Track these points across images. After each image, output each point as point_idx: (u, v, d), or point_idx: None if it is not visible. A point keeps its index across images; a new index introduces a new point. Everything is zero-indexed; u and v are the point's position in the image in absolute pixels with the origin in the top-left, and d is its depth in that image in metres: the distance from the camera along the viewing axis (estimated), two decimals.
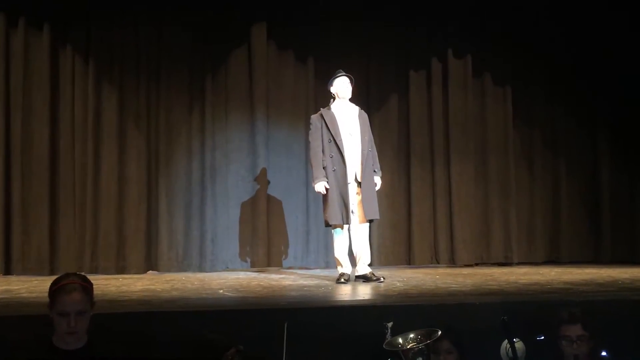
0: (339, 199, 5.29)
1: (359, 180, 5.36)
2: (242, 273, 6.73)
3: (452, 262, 7.49)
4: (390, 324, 3.37)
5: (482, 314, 3.66)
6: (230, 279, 5.97)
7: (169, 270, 6.87)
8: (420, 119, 7.67)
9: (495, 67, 7.85)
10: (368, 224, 5.41)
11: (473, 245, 7.57)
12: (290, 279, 5.85)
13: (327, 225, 5.45)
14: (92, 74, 6.83)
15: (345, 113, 5.52)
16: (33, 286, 5.20)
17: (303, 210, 7.35)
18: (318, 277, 6.08)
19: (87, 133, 6.81)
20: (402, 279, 5.70)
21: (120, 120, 6.92)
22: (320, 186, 5.34)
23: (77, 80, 6.85)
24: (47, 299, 2.74)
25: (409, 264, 7.44)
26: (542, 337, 3.19)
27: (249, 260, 7.19)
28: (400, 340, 3.29)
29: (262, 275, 6.47)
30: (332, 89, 5.62)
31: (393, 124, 7.65)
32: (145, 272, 6.81)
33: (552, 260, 7.76)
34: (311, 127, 5.50)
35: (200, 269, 6.99)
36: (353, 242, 5.41)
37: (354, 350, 3.45)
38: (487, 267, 7.36)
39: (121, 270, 6.72)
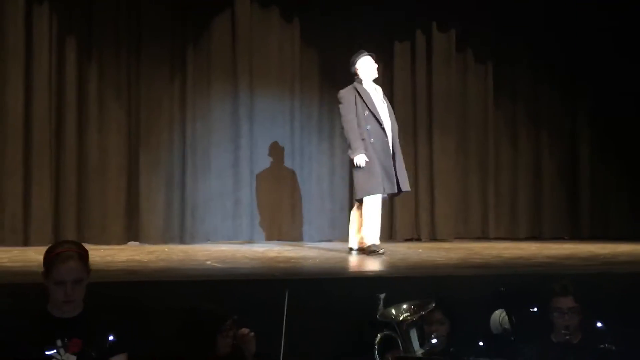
0: (381, 169, 5.21)
1: (392, 152, 5.33)
2: (225, 245, 6.69)
3: (433, 237, 7.55)
4: (382, 296, 3.38)
5: (473, 285, 3.70)
6: (214, 250, 5.93)
7: (150, 242, 6.78)
8: (404, 92, 7.66)
9: (478, 43, 7.84)
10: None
11: (452, 220, 7.62)
12: (275, 251, 5.83)
13: (362, 197, 5.29)
14: (70, 44, 6.63)
15: (372, 90, 5.47)
16: (14, 256, 5.10)
17: (288, 182, 7.31)
18: (303, 248, 6.09)
19: (64, 103, 6.64)
20: (387, 252, 5.71)
21: (100, 91, 6.75)
22: (360, 158, 5.21)
23: (54, 49, 6.64)
24: (36, 269, 2.67)
25: (391, 238, 7.46)
26: (536, 309, 3.23)
27: (231, 232, 7.14)
28: (394, 312, 3.29)
29: (246, 247, 6.44)
30: (358, 69, 5.50)
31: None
32: (125, 243, 6.73)
33: (534, 236, 7.86)
34: (342, 100, 5.37)
35: (181, 240, 6.91)
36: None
37: (347, 322, 3.45)
38: (465, 242, 7.43)
39: (101, 241, 6.62)
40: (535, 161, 8.04)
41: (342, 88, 7.50)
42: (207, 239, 7.04)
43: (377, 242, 5.29)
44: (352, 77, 7.43)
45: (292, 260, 4.91)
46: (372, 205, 5.25)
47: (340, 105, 5.43)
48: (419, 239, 7.56)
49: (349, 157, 5.39)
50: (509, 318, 3.12)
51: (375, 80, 5.60)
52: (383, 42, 7.59)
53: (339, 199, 7.44)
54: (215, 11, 7.13)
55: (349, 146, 5.35)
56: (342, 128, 5.46)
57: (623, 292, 3.66)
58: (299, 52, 7.36)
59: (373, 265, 4.74)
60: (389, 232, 7.49)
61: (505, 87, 7.99)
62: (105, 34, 6.76)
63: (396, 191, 5.37)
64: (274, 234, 7.26)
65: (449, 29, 7.72)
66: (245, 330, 3.00)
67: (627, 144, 7.95)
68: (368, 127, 5.26)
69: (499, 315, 3.30)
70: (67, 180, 6.60)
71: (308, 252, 5.73)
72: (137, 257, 5.10)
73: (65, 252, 2.60)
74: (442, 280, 3.85)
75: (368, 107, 5.30)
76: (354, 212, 5.53)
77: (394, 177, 5.28)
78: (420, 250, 6.11)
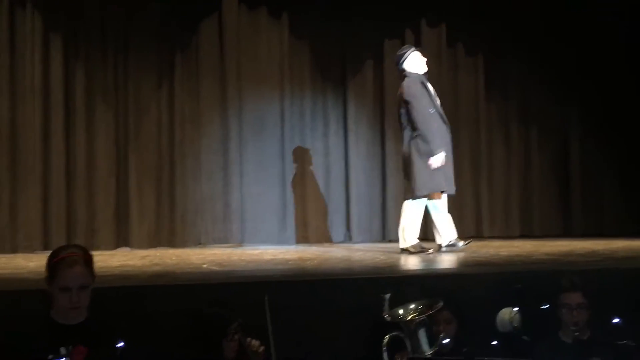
0: (446, 168, 5.12)
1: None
2: (216, 249, 6.59)
3: (426, 237, 7.49)
4: (387, 296, 3.32)
5: (480, 284, 3.65)
6: (207, 254, 5.83)
7: (140, 247, 6.66)
8: (394, 91, 7.58)
9: (468, 37, 7.81)
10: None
11: None
12: (269, 254, 5.75)
13: (425, 194, 5.19)
14: (56, 44, 6.50)
15: (430, 86, 5.30)
16: (2, 263, 4.97)
17: (278, 184, 7.23)
18: (297, 251, 6.02)
19: (51, 105, 6.51)
20: (383, 252, 5.68)
21: (87, 94, 6.63)
22: (441, 157, 5.07)
23: (39, 51, 6.51)
24: (26, 275, 2.57)
25: (384, 238, 7.42)
26: (547, 306, 3.19)
27: (222, 235, 7.05)
28: (401, 312, 3.24)
29: (238, 250, 6.35)
30: (409, 65, 5.30)
31: (368, 94, 7.57)
32: (115, 248, 6.61)
33: (525, 234, 7.86)
34: (415, 93, 5.10)
35: (171, 244, 6.82)
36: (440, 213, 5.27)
37: (354, 323, 3.39)
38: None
39: (90, 246, 6.46)
40: (526, 158, 8.03)
41: (333, 87, 7.52)
42: (198, 243, 6.94)
43: (453, 236, 5.28)
44: (342, 78, 7.48)
45: (290, 263, 4.84)
46: (419, 205, 5.20)
47: (411, 99, 5.11)
48: None
49: (416, 151, 5.16)
50: (521, 316, 3.07)
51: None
52: (373, 40, 7.55)
53: (335, 200, 7.38)
54: (203, 15, 7.07)
55: (425, 141, 5.08)
56: (415, 122, 5.10)
57: (628, 287, 3.63)
58: (287, 53, 7.30)
59: (372, 266, 4.68)
60: (382, 231, 7.46)
61: (496, 83, 7.98)
62: (92, 35, 6.66)
63: (453, 192, 5.33)
64: (266, 237, 7.16)
65: (439, 23, 7.69)
66: (255, 343, 2.92)
67: (618, 141, 7.98)
68: (435, 126, 5.12)
69: (509, 314, 3.25)
70: (55, 184, 6.47)
71: (303, 254, 5.66)
72: (130, 262, 5.00)
73: (71, 257, 2.51)
74: (447, 278, 3.79)
75: (434, 105, 5.16)
76: (420, 210, 5.28)
77: (453, 176, 5.25)
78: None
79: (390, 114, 7.57)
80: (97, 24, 6.69)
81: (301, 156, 7.31)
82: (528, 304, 3.22)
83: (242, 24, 7.17)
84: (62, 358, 2.42)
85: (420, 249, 5.24)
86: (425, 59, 5.38)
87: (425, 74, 5.34)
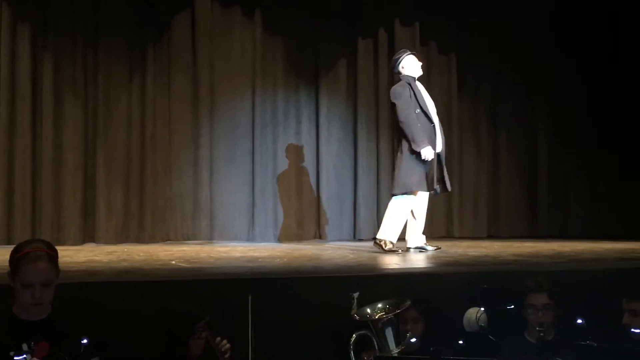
0: (426, 167, 5.20)
1: (439, 150, 5.33)
2: (185, 245, 6.54)
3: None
4: (356, 295, 3.33)
5: (447, 283, 3.68)
6: (176, 250, 5.79)
7: (107, 242, 6.57)
8: (367, 90, 7.63)
9: (442, 37, 7.83)
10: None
11: None
12: (238, 251, 5.73)
13: (402, 192, 5.26)
14: (23, 34, 6.38)
15: (420, 87, 5.44)
16: None
17: (248, 182, 7.19)
18: (266, 249, 5.99)
19: (17, 97, 6.39)
20: (353, 251, 5.69)
21: (56, 86, 6.52)
22: (429, 151, 5.16)
23: (6, 41, 6.38)
24: (5, 269, 2.52)
25: (355, 237, 7.43)
26: (513, 307, 3.23)
27: (191, 232, 6.99)
28: (369, 311, 3.26)
29: (207, 247, 6.31)
30: (403, 68, 5.45)
31: (341, 93, 7.55)
32: (81, 243, 6.52)
33: (493, 235, 7.93)
34: (399, 96, 5.29)
35: (140, 240, 6.74)
36: (415, 212, 5.35)
37: (321, 321, 3.39)
38: (429, 241, 7.43)
39: (56, 242, 6.35)
40: (495, 160, 8.10)
41: (305, 85, 7.51)
42: (166, 239, 6.88)
43: (395, 239, 5.30)
44: (315, 76, 7.47)
45: (259, 260, 4.82)
46: (404, 202, 5.26)
47: (396, 100, 5.32)
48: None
49: (401, 151, 5.30)
50: (487, 316, 3.11)
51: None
52: (346, 39, 7.54)
53: (307, 198, 7.37)
54: (175, 9, 6.99)
55: (408, 139, 5.23)
56: (399, 122, 5.29)
57: (592, 289, 3.69)
58: (260, 50, 7.25)
59: (341, 264, 4.69)
60: (352, 230, 7.47)
61: (468, 83, 8.02)
62: (61, 27, 6.55)
63: (438, 191, 5.39)
64: (236, 234, 7.12)
65: (412, 22, 7.70)
66: (224, 342, 2.90)
67: (583, 145, 8.11)
68: (418, 125, 5.23)
69: (476, 313, 3.28)
70: (20, 178, 6.36)
71: (273, 252, 5.64)
72: (96, 258, 4.93)
73: (34, 252, 2.45)
74: (414, 277, 3.82)
75: (420, 106, 5.28)
76: (403, 207, 5.35)
77: (439, 176, 5.28)
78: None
79: (363, 113, 7.61)
80: (67, 15, 6.57)
81: (272, 154, 7.28)
82: (494, 304, 3.25)
83: (215, 20, 7.11)
84: (24, 354, 2.37)
85: (391, 248, 5.27)
86: (420, 63, 5.52)
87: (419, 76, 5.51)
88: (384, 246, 5.27)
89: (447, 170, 5.50)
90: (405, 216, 5.34)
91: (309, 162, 7.40)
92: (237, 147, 7.18)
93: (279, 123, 7.32)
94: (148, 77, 6.86)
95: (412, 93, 5.31)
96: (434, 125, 5.32)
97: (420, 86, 5.47)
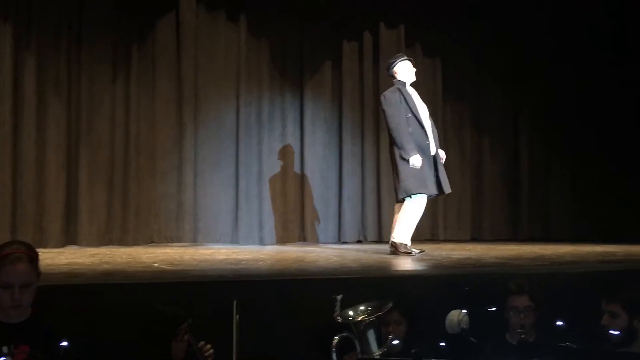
0: (420, 171, 5.25)
1: (433, 154, 5.40)
2: (169, 248, 6.51)
3: (380, 239, 7.56)
4: (339, 297, 3.33)
5: (430, 286, 3.70)
6: (159, 253, 5.75)
7: (89, 245, 6.52)
8: (352, 93, 7.65)
9: (427, 39, 7.87)
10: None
11: None
12: (222, 254, 5.71)
13: (405, 196, 5.32)
14: (5, 32, 6.30)
15: (413, 93, 5.50)
16: None
17: (232, 184, 7.18)
18: (250, 252, 5.98)
19: None
20: (337, 254, 5.69)
21: (38, 85, 6.47)
22: (416, 159, 5.21)
23: None
24: None
25: (339, 240, 7.44)
26: (494, 309, 3.25)
27: (175, 234, 6.96)
28: (351, 313, 3.26)
29: (191, 249, 6.28)
30: (397, 73, 5.51)
31: (326, 96, 7.57)
32: (63, 245, 6.46)
33: (476, 238, 7.98)
34: (388, 102, 5.38)
35: (123, 243, 6.70)
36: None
37: (304, 324, 3.39)
38: (413, 244, 7.45)
39: (37, 244, 6.29)
40: (478, 164, 8.15)
41: (290, 87, 7.51)
42: (150, 242, 6.84)
43: (409, 242, 5.34)
44: (300, 79, 7.47)
45: (243, 263, 4.81)
46: (414, 205, 5.31)
47: (386, 107, 5.41)
48: (366, 241, 7.55)
49: (395, 156, 5.36)
50: (469, 318, 3.12)
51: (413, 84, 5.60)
52: (331, 42, 7.57)
53: (292, 200, 7.37)
54: (160, 10, 6.97)
55: (397, 146, 5.31)
56: (389, 128, 5.39)
57: (573, 291, 3.73)
58: (245, 52, 7.26)
59: (325, 267, 4.69)
60: (337, 233, 7.48)
61: (452, 86, 8.07)
62: (44, 26, 6.49)
63: (436, 193, 5.44)
64: (220, 237, 7.11)
65: (398, 25, 7.73)
66: (207, 347, 2.89)
67: (564, 149, 8.19)
68: (409, 130, 5.30)
69: (457, 316, 3.29)
70: (0, 178, 6.27)
71: (257, 254, 5.63)
72: (79, 260, 4.90)
73: (14, 254, 2.43)
74: (397, 280, 3.83)
75: (411, 110, 5.34)
76: (414, 209, 5.43)
77: (434, 179, 5.34)
78: (369, 251, 6.10)
79: (348, 116, 7.63)
80: (50, 15, 6.53)
81: (257, 156, 7.27)
82: (476, 306, 3.27)
83: (200, 22, 7.11)
84: (3, 357, 2.35)
85: (405, 250, 5.32)
86: (414, 69, 5.58)
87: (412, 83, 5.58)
88: (398, 248, 5.32)
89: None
90: (418, 217, 5.40)
91: (293, 165, 7.41)
92: (222, 149, 7.17)
93: (263, 125, 7.32)
94: (132, 77, 6.83)
95: (402, 98, 5.38)
96: (425, 130, 5.37)
97: (412, 91, 5.53)
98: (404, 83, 5.50)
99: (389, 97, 5.41)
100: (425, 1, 7.71)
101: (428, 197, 5.43)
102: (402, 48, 7.67)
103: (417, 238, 7.62)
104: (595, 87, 7.98)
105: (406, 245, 5.35)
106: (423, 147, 5.32)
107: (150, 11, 6.94)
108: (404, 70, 5.52)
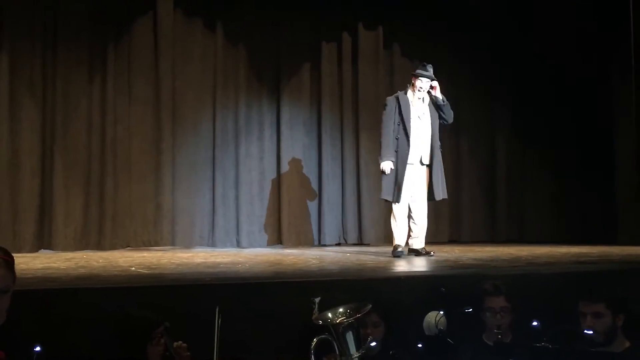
0: (394, 178, 5.47)
1: (426, 162, 5.54)
2: (146, 251, 6.46)
3: (360, 241, 7.57)
4: (317, 299, 3.33)
5: (407, 287, 3.71)
6: (136, 257, 5.71)
7: (64, 249, 6.46)
8: (332, 95, 7.66)
9: (405, 40, 7.90)
10: (427, 202, 5.62)
11: (381, 225, 7.64)
12: (200, 257, 5.68)
13: (382, 198, 5.65)
14: None
15: (415, 102, 5.61)
16: None
17: (209, 187, 7.16)
18: (228, 255, 5.96)
19: None
20: (316, 256, 5.69)
21: (11, 87, 6.41)
22: (386, 165, 5.47)
23: None
24: None
25: (319, 242, 7.44)
26: (470, 310, 3.27)
27: (152, 238, 6.91)
28: (330, 315, 3.25)
29: (169, 253, 6.24)
30: (412, 81, 5.65)
31: (305, 98, 7.58)
32: (38, 250, 6.39)
33: (454, 239, 8.02)
34: (386, 107, 5.61)
35: (100, 247, 6.64)
36: (414, 218, 5.57)
37: (282, 326, 3.38)
38: (389, 246, 7.47)
39: (12, 249, 6.16)
40: (456, 167, 8.19)
41: (268, 91, 7.51)
42: (127, 245, 6.79)
43: (399, 242, 5.53)
44: (277, 82, 7.46)
45: (221, 266, 4.78)
46: (395, 209, 5.53)
47: (382, 112, 5.68)
48: (345, 243, 7.55)
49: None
50: (446, 319, 3.14)
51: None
52: (310, 44, 7.57)
53: (270, 204, 7.35)
54: (137, 12, 6.94)
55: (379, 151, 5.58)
56: (380, 133, 5.66)
57: (549, 292, 3.77)
58: (222, 55, 7.24)
59: (304, 269, 4.69)
60: (317, 235, 7.47)
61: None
62: (18, 27, 6.43)
63: (400, 201, 5.52)
64: (198, 240, 7.08)
65: (376, 26, 7.76)
66: (182, 346, 2.87)
67: (540, 152, 8.26)
68: (397, 137, 5.52)
69: (435, 317, 3.31)
70: None
71: (235, 257, 5.61)
72: (54, 265, 4.83)
73: None
74: (375, 282, 3.83)
75: (402, 119, 5.52)
76: (398, 213, 5.63)
77: (404, 186, 5.46)
78: (348, 254, 6.11)
79: (328, 117, 7.63)
80: (24, 15, 6.47)
81: (234, 160, 7.25)
82: (453, 307, 3.29)
83: (177, 25, 7.08)
84: None
85: (394, 251, 5.49)
86: (422, 88, 5.59)
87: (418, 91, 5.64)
88: (394, 252, 5.51)
89: None
90: (397, 220, 5.55)
91: (271, 168, 7.40)
92: (199, 152, 7.14)
93: (240, 129, 7.30)
94: (109, 79, 6.79)
95: (396, 105, 5.57)
96: (409, 141, 5.50)
97: (412, 99, 5.61)
98: (404, 92, 5.67)
99: (387, 103, 5.66)
100: (402, 2, 7.73)
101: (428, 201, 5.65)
102: (380, 49, 7.71)
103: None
104: (573, 86, 8.00)
105: (395, 246, 5.54)
106: (403, 156, 5.48)
107: (127, 14, 6.90)
108: (419, 84, 5.61)
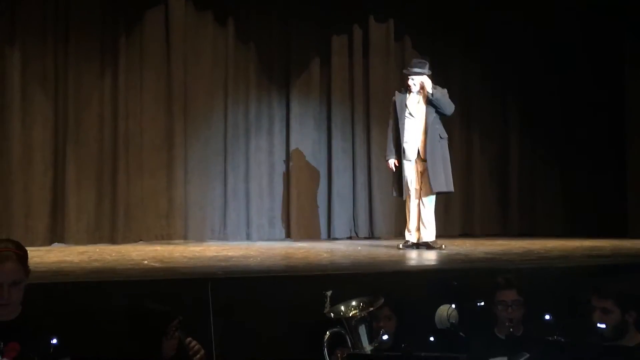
0: (398, 175, 5.77)
1: (423, 157, 5.63)
2: (158, 245, 6.50)
3: (371, 235, 7.58)
4: (329, 293, 3.34)
5: (420, 281, 3.72)
6: (148, 250, 5.74)
7: (77, 243, 6.49)
8: (342, 88, 7.64)
9: (416, 33, 7.86)
10: (433, 196, 5.69)
11: (392, 218, 7.65)
12: (212, 250, 5.71)
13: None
14: None
15: (410, 100, 5.77)
16: None
17: (221, 181, 7.18)
18: (240, 248, 5.98)
19: None
20: (328, 249, 5.71)
21: (23, 82, 6.43)
22: (389, 163, 5.78)
23: None
24: None
25: (328, 236, 7.45)
26: (482, 303, 3.27)
27: (164, 232, 6.94)
28: (343, 308, 3.27)
29: (181, 246, 6.27)
30: (407, 80, 5.86)
31: (315, 92, 7.56)
32: (50, 244, 6.44)
33: (466, 233, 8.01)
34: (391, 106, 5.90)
35: (112, 241, 6.68)
36: (422, 212, 5.71)
37: (295, 319, 3.40)
38: (401, 239, 7.47)
39: (25, 242, 6.22)
40: (468, 160, 8.16)
41: (278, 85, 7.53)
42: (139, 239, 6.82)
43: (409, 237, 5.77)
44: (287, 76, 7.46)
45: (233, 259, 4.81)
46: (407, 204, 5.81)
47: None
48: (357, 237, 7.55)
49: None
50: (458, 313, 3.15)
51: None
52: (320, 38, 7.55)
53: (279, 197, 7.36)
54: (148, 6, 6.94)
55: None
56: None
57: (561, 285, 3.76)
58: (233, 50, 7.24)
59: (315, 263, 4.71)
60: (327, 229, 7.48)
61: (440, 83, 8.01)
62: (30, 21, 6.45)
63: (403, 196, 5.76)
64: (210, 234, 7.10)
65: (386, 19, 7.73)
66: (197, 346, 2.89)
67: (552, 145, 8.23)
68: (391, 135, 5.82)
69: (447, 310, 3.32)
70: None
71: (246, 251, 5.64)
72: (67, 258, 4.87)
73: (2, 253, 2.42)
74: (387, 276, 3.84)
75: (396, 117, 5.76)
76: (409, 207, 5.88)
77: (404, 182, 5.70)
78: (359, 247, 6.12)
79: (338, 111, 7.62)
80: (36, 9, 6.48)
81: (245, 154, 7.27)
82: (465, 301, 3.29)
83: (188, 20, 7.07)
84: None
85: (405, 244, 5.75)
86: (412, 86, 5.76)
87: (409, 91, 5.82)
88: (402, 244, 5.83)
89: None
90: (409, 213, 5.77)
91: (281, 162, 7.41)
92: (210, 146, 7.15)
93: (251, 123, 7.31)
94: (120, 73, 6.79)
95: (393, 105, 5.82)
96: (403, 137, 5.68)
97: (408, 97, 5.77)
98: (401, 91, 5.87)
99: (392, 102, 5.90)
100: None
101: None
102: (391, 42, 7.68)
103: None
104: (585, 83, 7.96)
105: (405, 240, 5.80)
106: (402, 153, 5.71)
107: (138, 7, 6.90)
108: (408, 82, 5.78)
